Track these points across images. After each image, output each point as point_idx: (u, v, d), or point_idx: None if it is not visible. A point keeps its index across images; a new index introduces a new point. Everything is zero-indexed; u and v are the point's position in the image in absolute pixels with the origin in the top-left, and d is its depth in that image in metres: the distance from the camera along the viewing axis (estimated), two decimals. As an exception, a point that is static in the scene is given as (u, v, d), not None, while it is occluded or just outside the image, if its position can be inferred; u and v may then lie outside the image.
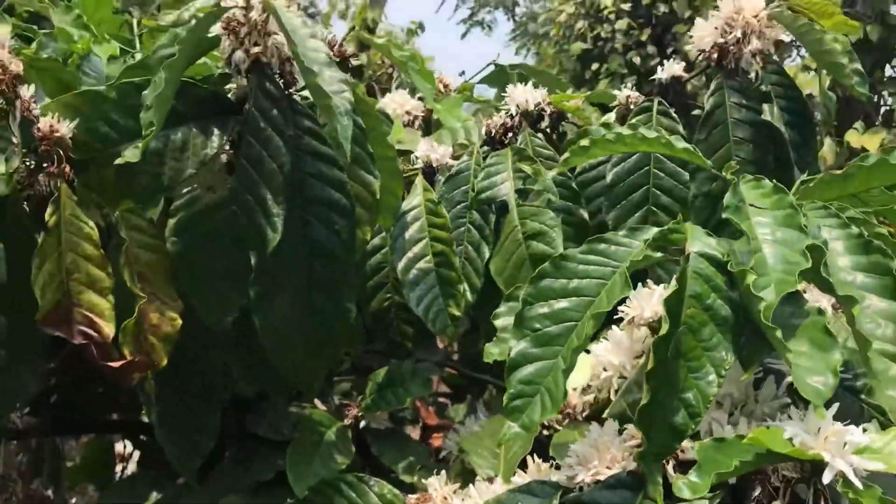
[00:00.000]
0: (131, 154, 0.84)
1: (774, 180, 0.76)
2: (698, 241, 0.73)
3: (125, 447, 1.58)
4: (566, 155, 0.88)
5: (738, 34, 1.07)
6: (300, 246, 0.95)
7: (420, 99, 1.59)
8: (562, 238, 1.10)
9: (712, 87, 1.09)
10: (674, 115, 1.12)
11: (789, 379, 0.79)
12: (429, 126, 1.56)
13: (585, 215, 1.16)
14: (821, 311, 0.68)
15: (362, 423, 1.19)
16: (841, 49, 1.02)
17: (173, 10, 0.89)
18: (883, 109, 4.02)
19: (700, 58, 1.14)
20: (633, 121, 1.13)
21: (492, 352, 0.84)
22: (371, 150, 1.00)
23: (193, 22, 0.88)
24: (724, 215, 0.73)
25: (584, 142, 0.86)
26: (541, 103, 1.20)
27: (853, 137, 3.60)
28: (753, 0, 1.09)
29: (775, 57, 1.12)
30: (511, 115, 1.20)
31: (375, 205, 1.01)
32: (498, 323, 0.86)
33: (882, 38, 3.64)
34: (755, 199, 0.76)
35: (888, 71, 3.95)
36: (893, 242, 0.77)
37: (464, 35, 16.27)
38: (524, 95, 1.20)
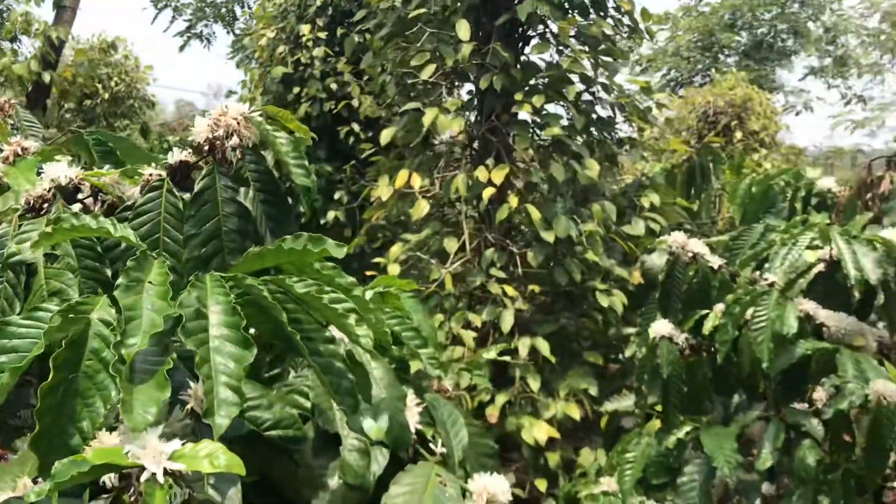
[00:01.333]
0: None
1: (167, 263, 1.06)
2: (102, 311, 1.01)
3: None
4: (39, 237, 1.13)
5: (222, 132, 1.37)
6: None
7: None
8: (78, 293, 1.33)
9: (204, 171, 1.38)
10: (176, 192, 1.40)
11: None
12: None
13: (109, 273, 1.40)
14: (170, 361, 0.97)
15: None
16: (289, 149, 1.35)
17: None
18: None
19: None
20: (146, 196, 1.39)
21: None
22: None
23: None
24: (113, 292, 1.01)
25: (48, 228, 1.11)
26: (73, 179, 1.42)
27: (481, 173, 4.17)
28: (237, 105, 1.40)
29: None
30: (46, 188, 1.42)
31: None
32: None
33: (505, 87, 4.24)
34: (153, 277, 1.05)
35: (522, 115, 4.57)
36: (268, 300, 1.09)
37: (182, 48, 15.95)
38: (59, 171, 1.42)
